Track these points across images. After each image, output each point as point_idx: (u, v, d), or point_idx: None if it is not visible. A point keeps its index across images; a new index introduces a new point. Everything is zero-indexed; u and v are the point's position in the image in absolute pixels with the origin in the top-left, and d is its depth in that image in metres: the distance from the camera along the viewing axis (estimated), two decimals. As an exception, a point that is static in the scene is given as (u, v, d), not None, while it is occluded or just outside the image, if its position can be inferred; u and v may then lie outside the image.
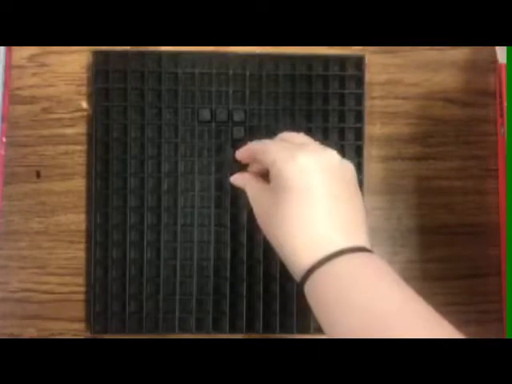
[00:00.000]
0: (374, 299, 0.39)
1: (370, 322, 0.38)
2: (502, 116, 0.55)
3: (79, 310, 0.54)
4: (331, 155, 0.43)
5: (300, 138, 0.46)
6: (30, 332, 0.53)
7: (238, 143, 0.53)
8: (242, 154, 0.48)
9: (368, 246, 0.42)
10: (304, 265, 0.41)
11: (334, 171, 0.43)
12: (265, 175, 0.46)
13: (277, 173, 0.42)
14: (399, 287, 0.40)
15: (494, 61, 0.56)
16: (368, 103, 0.55)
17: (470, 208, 0.56)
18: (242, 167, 0.50)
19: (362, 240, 0.42)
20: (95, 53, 0.53)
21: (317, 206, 0.41)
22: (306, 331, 0.52)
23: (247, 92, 0.54)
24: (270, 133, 0.53)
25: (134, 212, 0.53)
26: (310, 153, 0.42)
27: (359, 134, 0.54)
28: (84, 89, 0.54)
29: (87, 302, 0.53)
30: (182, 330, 0.53)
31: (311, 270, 0.40)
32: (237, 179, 0.49)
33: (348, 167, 0.44)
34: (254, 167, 0.48)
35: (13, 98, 0.54)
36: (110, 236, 0.53)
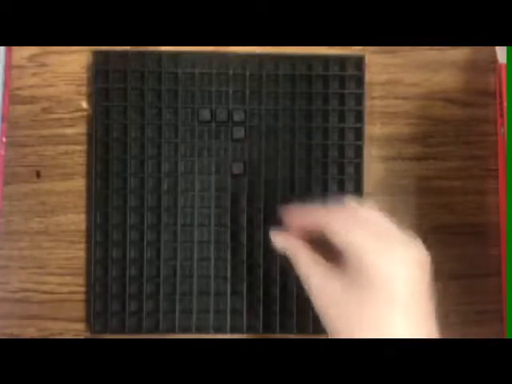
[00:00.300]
0: None
1: None
2: (501, 116, 0.55)
3: (79, 310, 0.54)
4: (420, 249, 0.39)
5: (370, 215, 0.40)
6: (29, 332, 0.53)
7: (238, 143, 0.53)
8: (298, 220, 0.41)
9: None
10: None
11: (424, 266, 0.39)
12: (310, 239, 0.40)
13: (368, 267, 0.37)
14: None
15: (494, 61, 0.56)
16: (368, 103, 0.55)
17: (470, 208, 0.56)
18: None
19: (434, 333, 0.38)
20: (95, 53, 0.53)
21: (403, 312, 0.37)
22: (306, 331, 0.52)
23: (247, 92, 0.54)
24: (270, 133, 0.53)
25: (134, 212, 0.53)
26: (406, 246, 0.38)
27: (359, 134, 0.54)
28: (84, 89, 0.54)
29: (87, 301, 0.53)
30: (182, 329, 0.52)
31: None
32: (283, 244, 0.41)
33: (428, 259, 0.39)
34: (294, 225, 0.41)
35: (13, 98, 0.54)
36: (109, 236, 0.53)
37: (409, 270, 0.37)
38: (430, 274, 0.39)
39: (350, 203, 0.41)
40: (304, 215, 0.40)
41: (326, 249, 0.39)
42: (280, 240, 0.41)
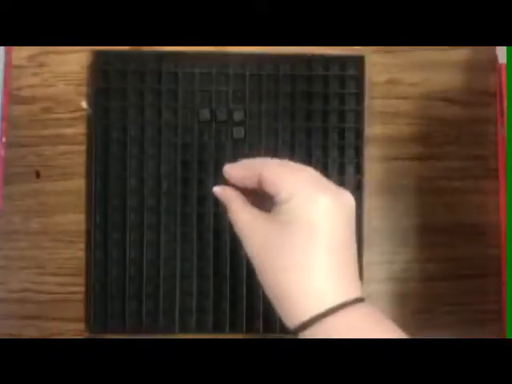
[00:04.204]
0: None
1: None
2: (502, 116, 0.55)
3: (79, 310, 0.54)
4: (349, 198, 0.40)
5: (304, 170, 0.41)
6: (29, 332, 0.53)
7: (238, 143, 0.53)
8: (236, 171, 0.42)
9: (363, 297, 0.40)
10: (304, 314, 0.38)
11: (350, 215, 0.40)
12: (247, 194, 0.42)
13: (292, 208, 0.38)
14: (398, 334, 0.39)
15: (494, 61, 0.56)
16: (368, 103, 0.55)
17: (470, 208, 0.56)
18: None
19: (359, 290, 0.40)
20: (95, 53, 0.53)
21: (328, 254, 0.38)
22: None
23: (247, 92, 0.54)
24: (270, 133, 0.53)
25: (134, 212, 0.53)
26: (333, 195, 0.39)
27: (359, 134, 0.54)
28: (84, 89, 0.54)
29: (87, 302, 0.53)
30: (182, 329, 0.53)
31: (313, 321, 0.38)
32: (223, 194, 0.43)
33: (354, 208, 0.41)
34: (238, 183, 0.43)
35: (12, 97, 0.54)
36: (109, 236, 0.53)
37: (333, 215, 0.38)
38: (353, 224, 0.40)
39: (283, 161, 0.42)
40: (241, 167, 0.42)
41: (263, 199, 0.41)
42: (217, 191, 0.43)
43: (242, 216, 0.41)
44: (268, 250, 0.39)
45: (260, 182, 0.40)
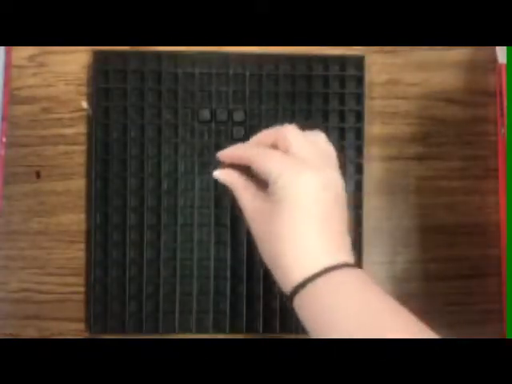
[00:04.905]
0: (368, 308, 0.40)
1: (367, 326, 0.39)
2: (502, 116, 0.55)
3: (79, 310, 0.54)
4: (332, 173, 0.44)
5: (294, 134, 0.45)
6: (29, 332, 0.53)
7: (238, 143, 0.53)
8: (228, 156, 0.47)
9: (353, 262, 0.43)
10: (297, 278, 0.42)
11: (334, 191, 0.44)
12: (252, 177, 0.46)
13: (281, 186, 0.43)
14: (386, 298, 0.41)
15: (494, 61, 0.56)
16: (368, 103, 0.55)
17: (470, 208, 0.56)
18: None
19: (349, 255, 0.43)
20: (95, 53, 0.53)
21: (315, 224, 0.42)
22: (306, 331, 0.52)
23: (247, 92, 0.54)
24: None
25: (134, 212, 0.53)
26: (316, 172, 0.43)
27: (359, 134, 0.54)
28: (84, 89, 0.54)
29: (87, 302, 0.53)
30: (182, 330, 0.52)
31: (304, 284, 0.41)
32: (223, 176, 0.47)
33: (342, 185, 0.45)
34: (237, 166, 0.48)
35: (13, 97, 0.54)
36: (109, 236, 0.53)
37: (316, 190, 0.43)
38: (340, 199, 0.44)
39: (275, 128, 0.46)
40: (233, 152, 0.47)
41: (257, 178, 0.46)
42: (218, 174, 0.48)
43: (248, 195, 0.46)
44: (265, 226, 0.44)
45: (252, 167, 0.45)
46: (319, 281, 0.41)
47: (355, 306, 0.40)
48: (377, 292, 0.41)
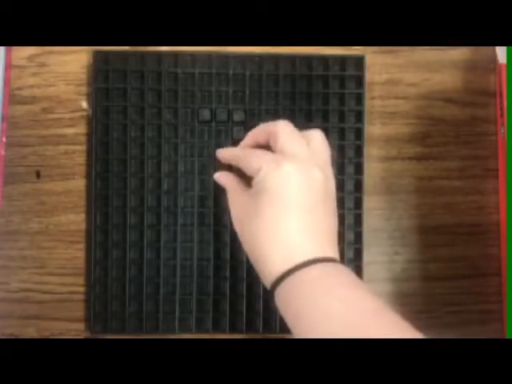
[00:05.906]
0: (349, 306, 0.40)
1: (349, 327, 0.39)
2: (502, 116, 0.55)
3: (79, 310, 0.54)
4: (318, 171, 0.44)
5: (287, 130, 0.46)
6: (29, 332, 0.53)
7: (238, 143, 0.53)
8: (223, 155, 0.50)
9: (338, 259, 0.44)
10: (276, 271, 0.42)
11: (316, 186, 0.44)
12: (247, 178, 0.47)
13: (260, 179, 0.44)
14: (370, 296, 0.41)
15: (494, 61, 0.56)
16: (368, 103, 0.55)
17: (470, 208, 0.56)
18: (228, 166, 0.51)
19: (333, 253, 0.43)
20: (95, 53, 0.53)
21: (295, 216, 0.43)
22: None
23: (247, 92, 0.54)
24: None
25: (134, 212, 0.53)
26: (296, 165, 0.44)
27: (359, 134, 0.54)
28: (84, 89, 0.54)
29: (87, 302, 0.53)
30: (182, 330, 0.53)
31: (284, 277, 0.41)
32: (220, 178, 0.50)
33: (329, 184, 0.46)
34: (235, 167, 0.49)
35: (13, 97, 0.54)
36: (109, 236, 0.53)
37: (295, 183, 0.43)
38: (326, 197, 0.45)
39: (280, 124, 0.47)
40: (226, 152, 0.50)
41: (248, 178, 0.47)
42: (219, 176, 0.50)
43: (232, 192, 0.48)
44: (246, 219, 0.45)
45: (240, 167, 0.47)
46: (298, 274, 0.41)
47: (335, 302, 0.40)
48: (359, 287, 0.41)
